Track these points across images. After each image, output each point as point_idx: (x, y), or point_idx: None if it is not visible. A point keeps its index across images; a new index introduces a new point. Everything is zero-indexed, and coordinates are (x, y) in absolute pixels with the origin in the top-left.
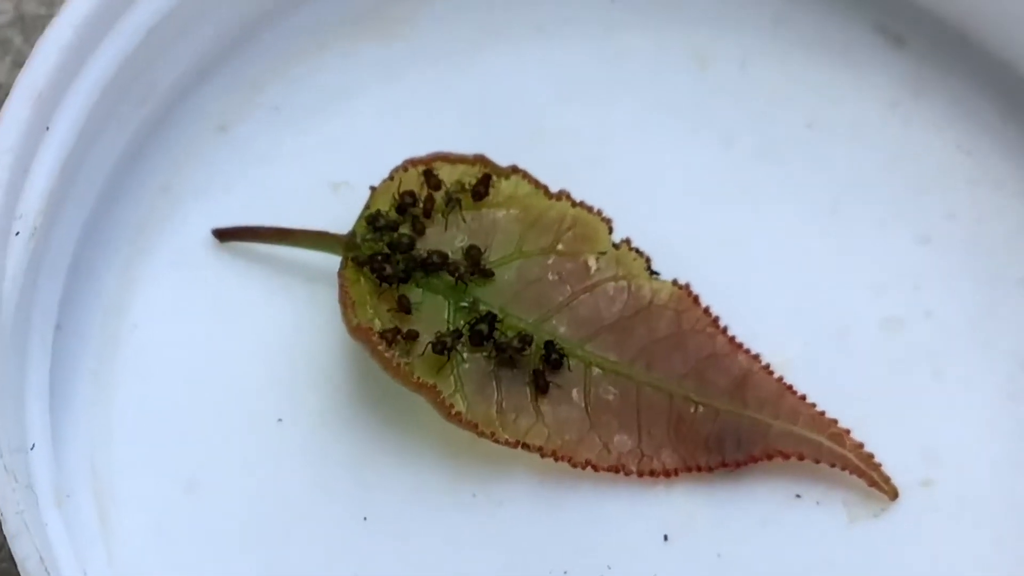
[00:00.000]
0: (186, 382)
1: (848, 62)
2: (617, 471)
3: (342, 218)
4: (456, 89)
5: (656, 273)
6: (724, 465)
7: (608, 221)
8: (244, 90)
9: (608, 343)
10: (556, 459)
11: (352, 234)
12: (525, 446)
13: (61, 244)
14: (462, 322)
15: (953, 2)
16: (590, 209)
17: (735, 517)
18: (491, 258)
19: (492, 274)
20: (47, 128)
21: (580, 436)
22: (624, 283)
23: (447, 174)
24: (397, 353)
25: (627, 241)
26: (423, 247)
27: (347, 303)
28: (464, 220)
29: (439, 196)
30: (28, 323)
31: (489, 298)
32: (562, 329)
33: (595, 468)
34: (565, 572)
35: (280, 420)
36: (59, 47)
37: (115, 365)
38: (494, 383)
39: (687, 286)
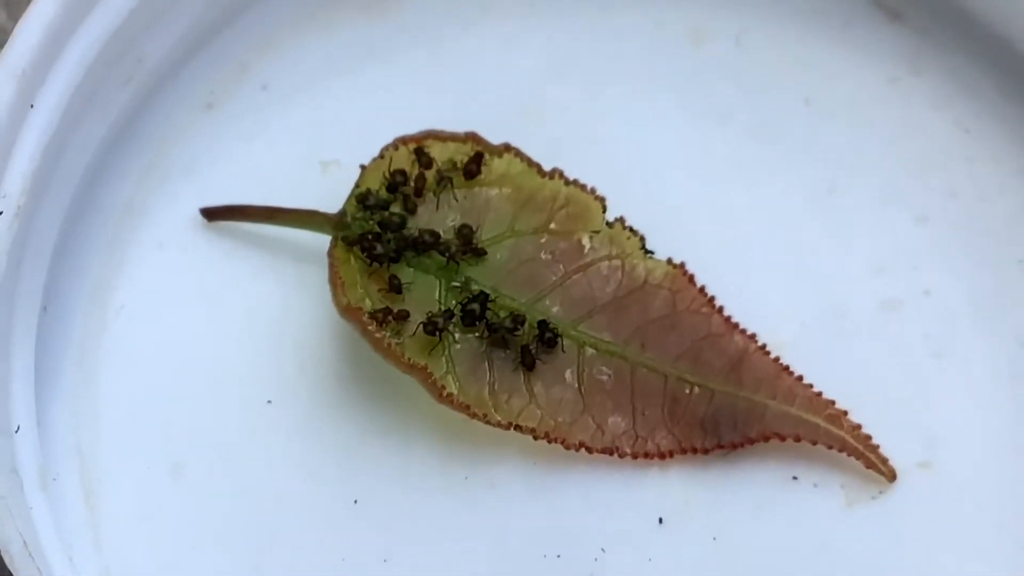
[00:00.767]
0: (173, 364)
1: (846, 38)
2: (611, 453)
3: (332, 197)
4: (447, 66)
5: (651, 252)
6: (720, 447)
7: (602, 200)
8: (231, 68)
9: (602, 323)
10: (549, 441)
11: (342, 213)
12: (518, 428)
13: (46, 225)
14: (454, 302)
15: None
16: (584, 187)
17: (731, 500)
18: (483, 237)
19: (484, 253)
20: (31, 106)
21: (574, 418)
22: (618, 262)
23: (438, 152)
24: (388, 334)
25: (621, 220)
26: (414, 226)
27: (337, 283)
28: (456, 199)
29: (430, 175)
30: (12, 305)
31: (481, 278)
32: (555, 309)
33: (589, 450)
34: (558, 556)
35: (269, 402)
36: (43, 24)
37: (101, 347)
38: (486, 364)
39: (682, 265)
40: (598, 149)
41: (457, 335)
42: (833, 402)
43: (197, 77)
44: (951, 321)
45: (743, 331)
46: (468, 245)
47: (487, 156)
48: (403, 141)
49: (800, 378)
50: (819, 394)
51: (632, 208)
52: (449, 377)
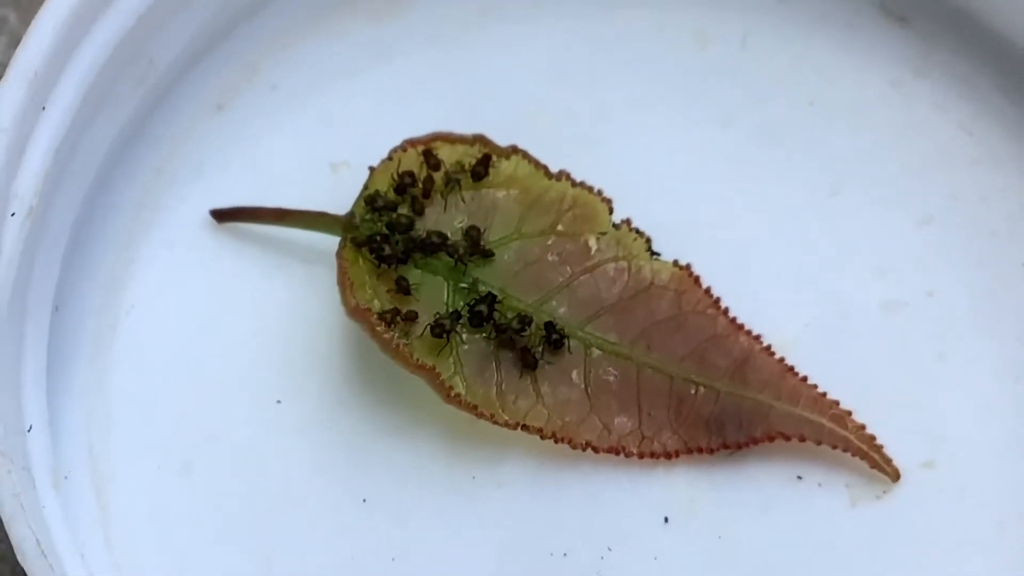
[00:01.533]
0: (183, 363)
1: (850, 41)
2: (617, 453)
3: (341, 198)
4: (456, 68)
5: (657, 254)
6: (725, 447)
7: (608, 201)
8: (241, 69)
9: (608, 324)
10: (556, 441)
11: (351, 214)
12: (525, 428)
13: (58, 225)
14: (461, 303)
15: None
16: (590, 189)
17: (736, 499)
18: (491, 239)
19: (492, 255)
20: (43, 108)
21: (580, 418)
22: (624, 264)
23: (446, 154)
24: (396, 334)
25: (628, 221)
26: (422, 227)
27: (346, 284)
28: (463, 200)
29: (438, 176)
30: (25, 304)
31: (489, 279)
32: (562, 310)
33: (595, 450)
34: (565, 554)
35: (279, 402)
36: (55, 26)
37: (113, 346)
38: (494, 365)
39: (688, 267)
40: (605, 151)
41: (465, 336)
42: (837, 402)
43: (207, 78)
44: (954, 322)
45: (748, 332)
46: (476, 247)
47: (494, 158)
48: (411, 143)
49: (804, 378)
50: (823, 394)
51: (638, 210)
52: (457, 378)
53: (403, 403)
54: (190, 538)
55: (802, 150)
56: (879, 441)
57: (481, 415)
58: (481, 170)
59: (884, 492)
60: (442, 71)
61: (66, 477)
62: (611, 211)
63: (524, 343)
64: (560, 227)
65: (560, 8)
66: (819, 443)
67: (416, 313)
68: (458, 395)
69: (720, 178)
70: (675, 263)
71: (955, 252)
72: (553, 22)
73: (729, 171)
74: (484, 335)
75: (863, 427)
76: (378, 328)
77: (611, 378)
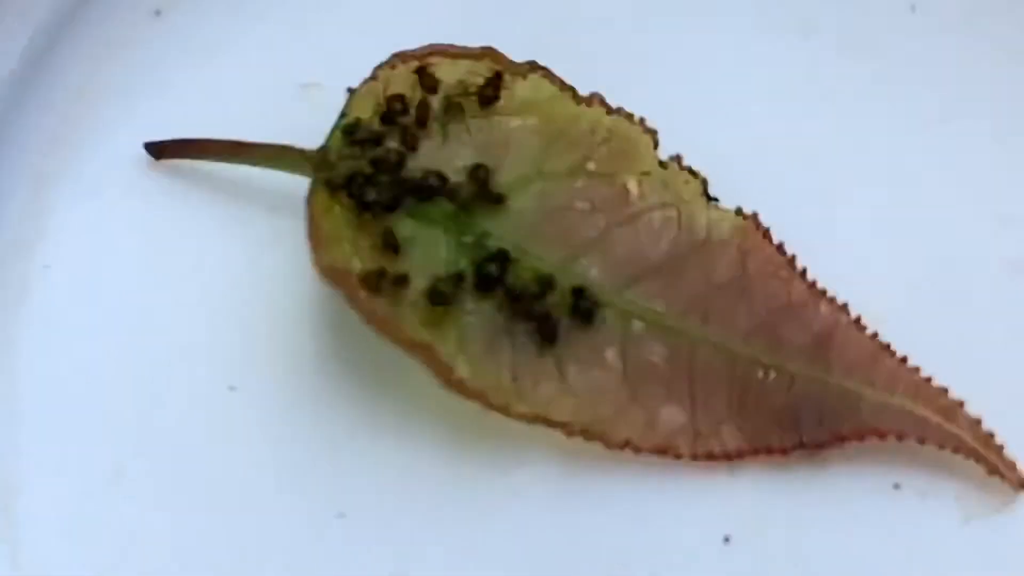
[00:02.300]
0: (111, 341)
1: None
2: (665, 453)
3: (311, 129)
4: None
5: (715, 199)
6: (802, 447)
7: (652, 133)
8: None
9: (653, 289)
10: (586, 438)
11: (324, 149)
12: (547, 422)
13: None
14: (465, 262)
15: None
16: (630, 117)
17: (815, 514)
18: (503, 180)
19: (504, 201)
20: None
21: (617, 409)
22: (673, 212)
23: (446, 72)
24: (382, 302)
25: (677, 158)
26: (416, 166)
27: (318, 238)
28: (468, 131)
29: (436, 101)
30: None
31: (500, 231)
32: (594, 272)
33: (636, 450)
34: None
35: (232, 388)
36: None
37: (20, 317)
38: (507, 341)
39: (754, 216)
40: (647, 69)
41: (470, 304)
42: (946, 390)
43: None
44: None
45: (831, 299)
46: (484, 190)
47: (507, 77)
48: (402, 58)
49: (904, 360)
50: (928, 380)
51: (691, 144)
52: (460, 357)
53: (391, 390)
54: (119, 561)
55: (901, 66)
56: (998, 440)
57: (491, 405)
58: (490, 93)
59: (1004, 505)
60: None
61: None
62: (656, 145)
63: (544, 311)
64: (591, 165)
65: None
66: (922, 442)
67: (407, 275)
68: (461, 380)
69: (796, 103)
70: (738, 212)
71: None
72: None
73: (808, 94)
74: (494, 303)
75: (979, 422)
76: (359, 294)
77: (657, 358)
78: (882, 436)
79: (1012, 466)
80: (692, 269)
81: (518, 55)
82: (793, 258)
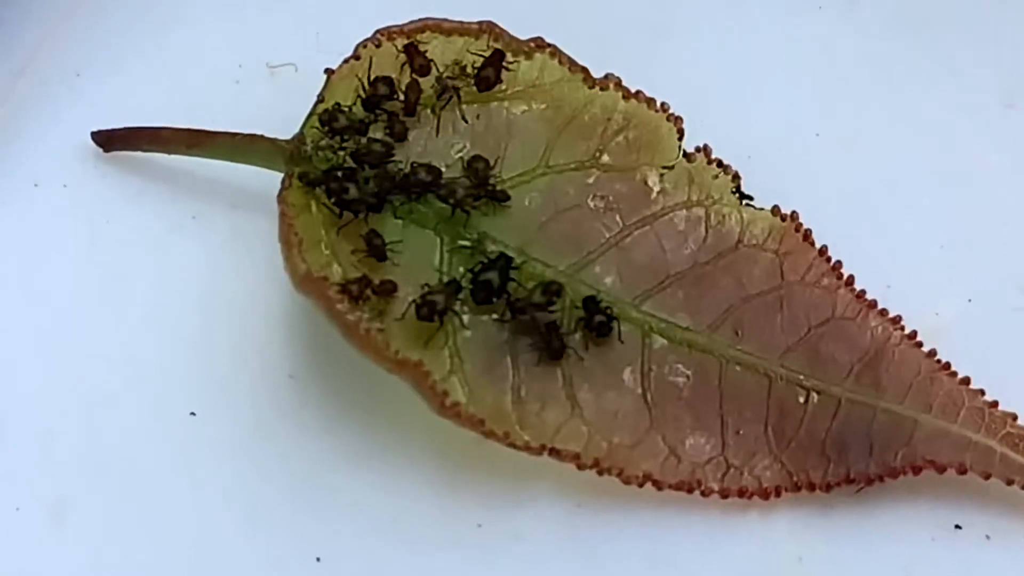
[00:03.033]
0: (52, 356)
1: None
2: (691, 490)
3: (284, 116)
4: None
5: (748, 197)
6: (849, 481)
7: (676, 120)
8: None
9: (677, 301)
10: (600, 472)
11: (299, 139)
12: (555, 452)
13: None
14: (461, 269)
15: None
16: (650, 102)
17: (865, 557)
18: (505, 175)
19: (507, 198)
20: None
21: (636, 438)
22: (701, 212)
23: (439, 51)
24: (366, 315)
25: (705, 149)
26: (404, 159)
27: (292, 242)
28: (465, 119)
29: (427, 84)
30: None
31: (502, 234)
32: (609, 280)
33: (658, 485)
34: None
35: (193, 414)
36: None
37: None
38: (508, 360)
39: (793, 216)
40: (670, 47)
41: (466, 318)
42: (1015, 416)
43: None
44: None
45: (882, 312)
46: (483, 186)
47: (510, 56)
48: (388, 34)
49: (965, 381)
50: (994, 404)
51: (720, 132)
52: (455, 379)
53: (375, 417)
54: None
55: (960, 45)
56: None
57: (491, 434)
58: (490, 74)
59: None
60: None
61: None
62: (680, 135)
63: (551, 325)
64: (606, 158)
65: None
66: (987, 477)
67: (395, 284)
68: (456, 404)
69: (840, 87)
70: (775, 211)
71: None
72: None
73: (855, 75)
74: (495, 316)
75: None
76: (339, 306)
77: (681, 379)
78: (940, 469)
79: None
80: (721, 277)
81: (522, 31)
82: (838, 264)
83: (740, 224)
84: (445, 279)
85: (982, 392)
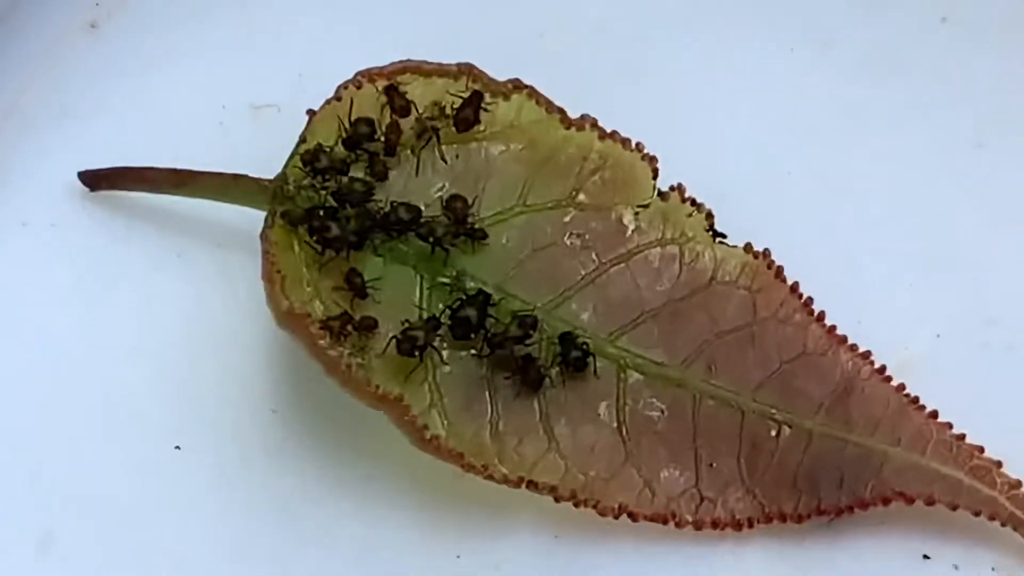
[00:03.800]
0: (39, 391)
1: None
2: (666, 522)
3: (267, 156)
4: None
5: (721, 236)
6: (820, 513)
7: (651, 160)
8: None
9: (652, 337)
10: (576, 504)
11: (282, 179)
12: (532, 485)
13: None
14: (440, 306)
15: None
16: (625, 142)
17: None
18: (483, 213)
19: (485, 236)
20: None
21: (612, 471)
22: (675, 250)
23: (419, 92)
24: (347, 351)
25: (679, 188)
26: (384, 198)
27: (275, 279)
28: (444, 159)
29: (408, 124)
30: None
31: (480, 271)
32: (585, 316)
33: (634, 517)
34: None
35: (177, 448)
36: None
37: None
38: (487, 394)
39: (766, 254)
40: (647, 88)
41: (445, 354)
42: (981, 449)
43: None
44: None
45: (852, 347)
46: (461, 225)
47: (488, 97)
48: (369, 76)
49: (934, 414)
50: (961, 437)
51: (694, 173)
52: (434, 413)
53: (356, 451)
54: None
55: (931, 85)
56: None
57: (470, 467)
58: (469, 115)
59: None
60: None
61: None
62: (655, 174)
63: (529, 359)
64: (582, 197)
65: None
66: (955, 508)
67: (375, 321)
68: (436, 438)
69: (813, 126)
70: (747, 248)
71: None
72: None
73: (827, 114)
74: (473, 352)
75: (1018, 485)
76: (320, 342)
77: (656, 414)
78: (909, 501)
79: None
80: (695, 314)
81: (500, 72)
82: (809, 300)
83: (713, 261)
84: (425, 315)
85: (950, 425)
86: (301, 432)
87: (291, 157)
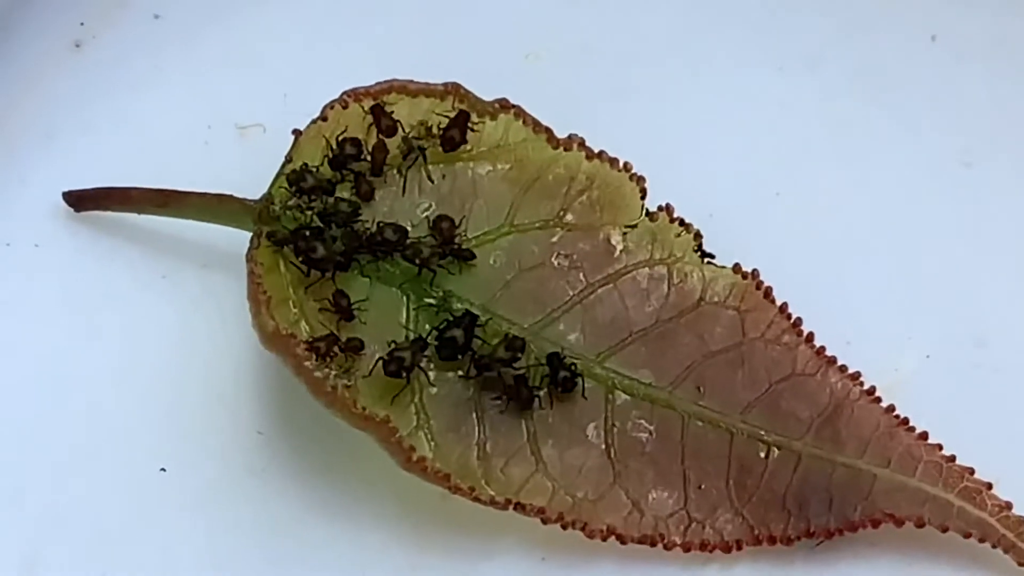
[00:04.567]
0: (23, 412)
1: None
2: (654, 543)
3: (252, 176)
4: None
5: (709, 256)
6: (809, 535)
7: (639, 180)
8: None
9: (640, 357)
10: (564, 526)
11: (267, 199)
12: (519, 507)
13: None
14: (427, 327)
15: None
16: (613, 162)
17: None
18: (470, 234)
19: (472, 257)
20: None
21: (599, 492)
22: (663, 270)
23: (406, 112)
24: (333, 372)
25: (667, 209)
26: (371, 218)
27: (260, 300)
28: (431, 179)
29: (394, 144)
30: None
31: (467, 292)
32: (573, 337)
33: (622, 539)
34: None
35: (163, 470)
36: None
37: None
38: (474, 416)
39: (754, 274)
40: (634, 108)
41: (432, 374)
42: (972, 470)
43: (62, 2)
44: None
45: (842, 368)
46: (448, 245)
47: (475, 117)
48: (355, 96)
49: (923, 436)
50: (951, 459)
51: (682, 193)
52: (421, 435)
53: (343, 472)
54: None
55: (921, 104)
56: None
57: (457, 489)
58: (456, 135)
59: None
60: None
61: None
62: (643, 194)
63: (516, 380)
64: (569, 217)
65: None
66: (944, 530)
67: (362, 342)
68: (423, 459)
69: (802, 146)
70: (736, 269)
71: None
72: None
73: (815, 134)
74: (460, 373)
75: (1008, 506)
76: (307, 363)
77: (644, 435)
78: (899, 522)
79: None
80: (684, 334)
81: (487, 92)
82: (798, 321)
83: (702, 282)
84: (411, 336)
85: (940, 447)
86: (287, 454)
87: (277, 177)
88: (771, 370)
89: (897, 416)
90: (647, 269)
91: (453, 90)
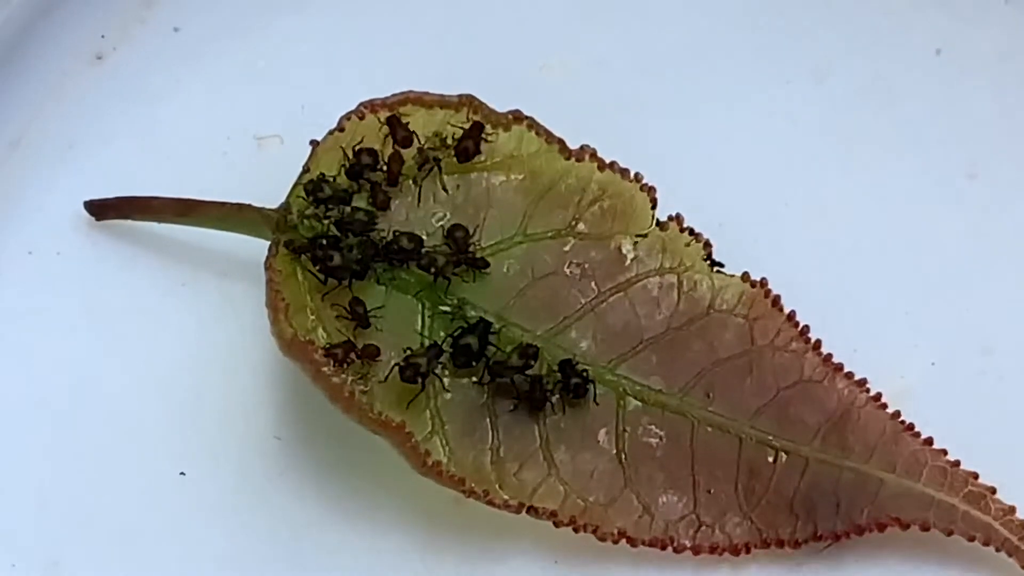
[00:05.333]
0: (49, 420)
1: None
2: (664, 547)
3: (270, 185)
4: (434, 3)
5: (719, 265)
6: (816, 538)
7: (650, 190)
8: (130, 4)
9: (651, 364)
10: (576, 530)
11: (285, 208)
12: (532, 511)
13: None
14: (442, 334)
15: None
16: (624, 173)
17: None
18: (484, 243)
19: (486, 265)
20: None
21: (611, 497)
22: (673, 279)
23: (421, 123)
24: (350, 378)
25: (677, 218)
26: (387, 227)
27: (278, 307)
28: (445, 189)
29: (409, 155)
30: None
31: (481, 300)
32: (585, 344)
33: (633, 542)
34: None
35: (182, 474)
36: None
37: None
38: (488, 421)
39: (763, 283)
40: (646, 120)
41: (447, 380)
42: (976, 475)
43: (82, 17)
44: None
45: (849, 375)
46: (463, 254)
47: (489, 128)
48: (371, 107)
49: (929, 441)
50: (956, 464)
51: (693, 203)
52: (436, 439)
53: (359, 476)
54: None
55: (925, 117)
56: None
57: (471, 493)
58: (470, 146)
59: None
60: (414, 8)
61: None
62: (654, 204)
63: (529, 387)
64: (581, 226)
65: None
66: (949, 534)
67: (378, 348)
68: (438, 463)
69: (809, 157)
70: (745, 277)
71: None
72: None
73: (822, 145)
74: (474, 379)
75: (1012, 510)
76: (324, 369)
77: (655, 440)
78: (904, 526)
79: None
80: (694, 342)
81: (500, 104)
82: (806, 329)
83: (711, 290)
84: (427, 343)
85: (945, 452)
86: (304, 459)
87: (294, 187)
88: (779, 377)
89: (903, 422)
90: (658, 278)
91: (467, 102)
